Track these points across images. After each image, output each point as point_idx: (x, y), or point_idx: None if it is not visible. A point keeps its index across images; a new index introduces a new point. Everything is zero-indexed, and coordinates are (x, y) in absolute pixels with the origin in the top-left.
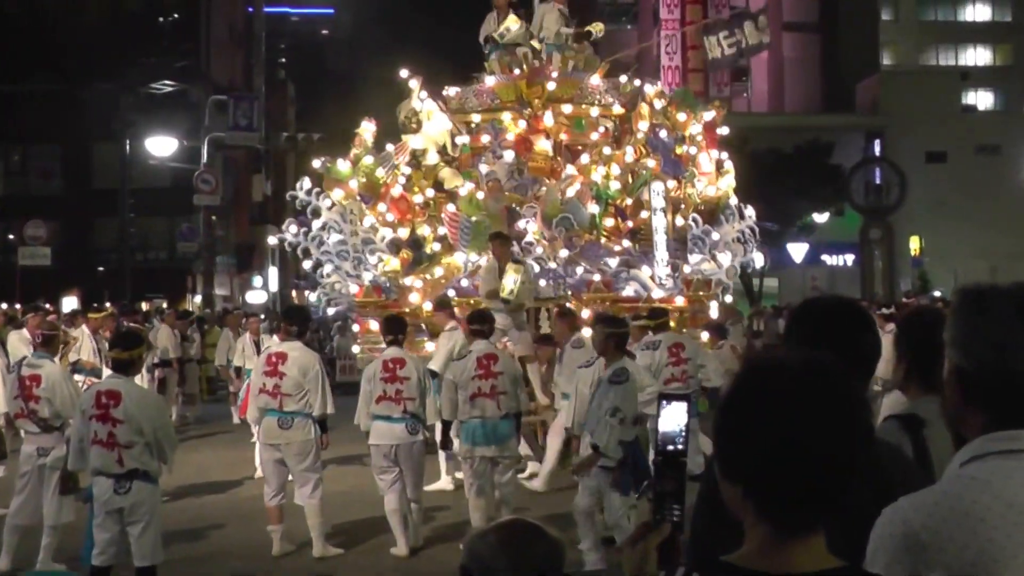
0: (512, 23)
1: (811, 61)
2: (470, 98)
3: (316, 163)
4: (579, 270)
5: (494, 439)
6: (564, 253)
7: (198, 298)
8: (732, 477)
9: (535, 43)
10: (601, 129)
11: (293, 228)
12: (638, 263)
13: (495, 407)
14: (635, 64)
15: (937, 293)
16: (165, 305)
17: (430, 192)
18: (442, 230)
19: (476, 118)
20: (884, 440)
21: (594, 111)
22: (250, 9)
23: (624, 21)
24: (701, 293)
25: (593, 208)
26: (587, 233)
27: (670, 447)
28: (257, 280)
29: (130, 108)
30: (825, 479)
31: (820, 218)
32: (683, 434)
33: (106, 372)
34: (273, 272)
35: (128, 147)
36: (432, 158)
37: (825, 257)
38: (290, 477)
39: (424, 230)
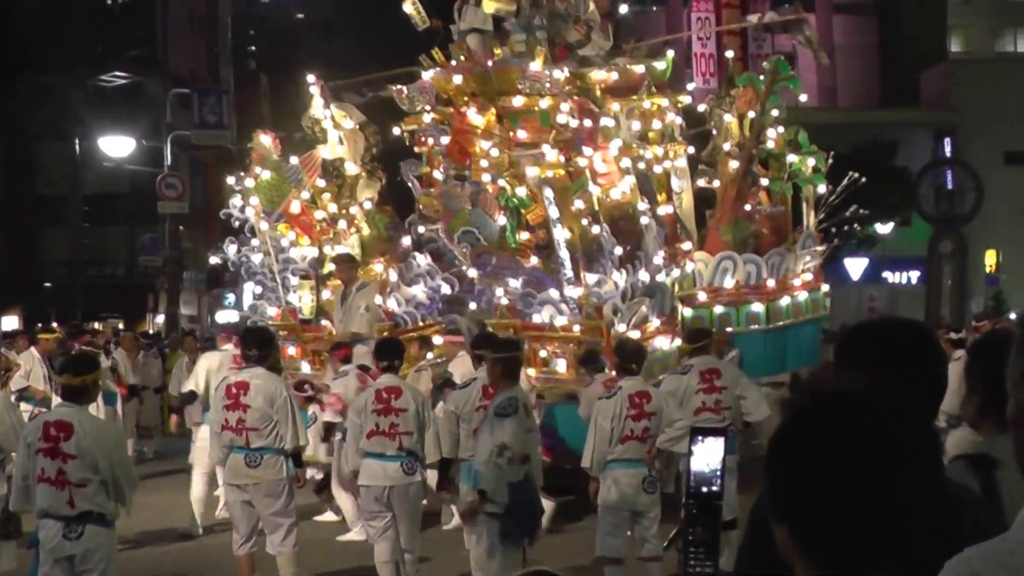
0: (488, 5)
1: (868, 48)
2: (416, 96)
3: (230, 179)
4: (498, 291)
5: None
6: (473, 272)
7: (160, 318)
8: (779, 516)
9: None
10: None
11: (232, 248)
12: (543, 284)
13: None
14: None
15: (1013, 315)
16: (121, 326)
17: (332, 207)
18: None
19: (427, 118)
20: (952, 481)
21: (544, 102)
22: None
23: (650, 2)
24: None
25: (502, 219)
26: (498, 248)
27: (704, 489)
28: (229, 298)
29: (78, 102)
30: (883, 521)
31: (883, 229)
32: (719, 475)
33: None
34: (249, 289)
35: (78, 147)
36: (351, 168)
37: (886, 274)
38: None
39: (329, 248)
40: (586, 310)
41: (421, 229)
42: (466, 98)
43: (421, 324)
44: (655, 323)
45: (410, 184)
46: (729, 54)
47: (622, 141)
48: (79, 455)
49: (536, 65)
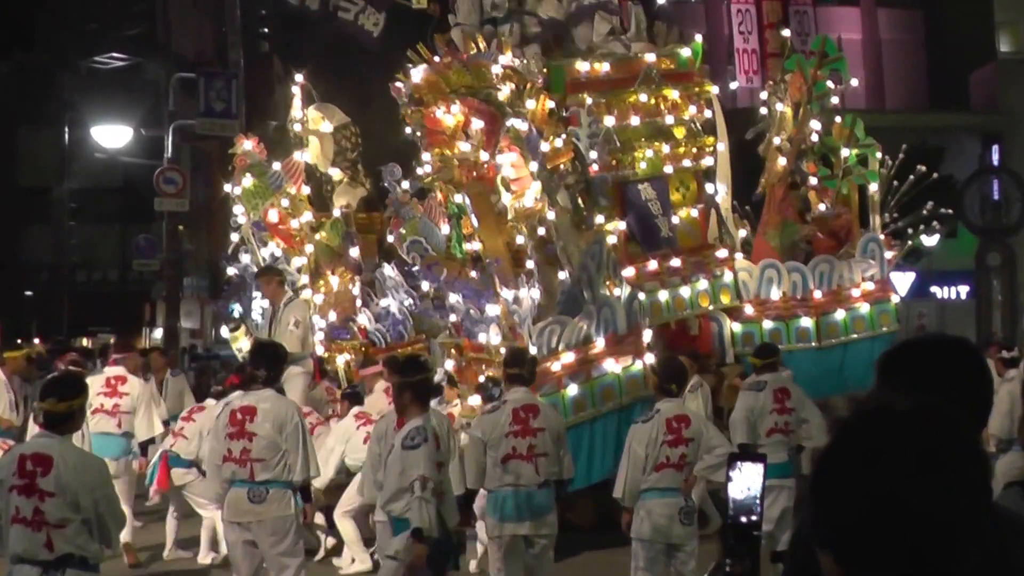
0: None
1: (915, 45)
2: (423, 88)
3: (227, 187)
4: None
5: (528, 512)
6: (425, 286)
7: (158, 332)
8: (823, 542)
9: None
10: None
11: (247, 257)
12: (478, 300)
13: (532, 472)
14: (663, 27)
15: None
16: (113, 341)
17: (307, 216)
18: None
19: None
20: (1005, 509)
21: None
22: None
23: None
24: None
25: (446, 228)
26: (445, 259)
27: (743, 519)
28: (235, 309)
29: (69, 86)
30: (930, 548)
31: (929, 241)
32: (758, 502)
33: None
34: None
35: (68, 135)
36: (335, 173)
37: (934, 288)
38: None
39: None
40: (503, 330)
41: (391, 238)
42: (437, 97)
43: (399, 342)
44: (600, 344)
45: (391, 190)
46: (786, 33)
47: (562, 142)
48: (58, 492)
49: (506, 59)
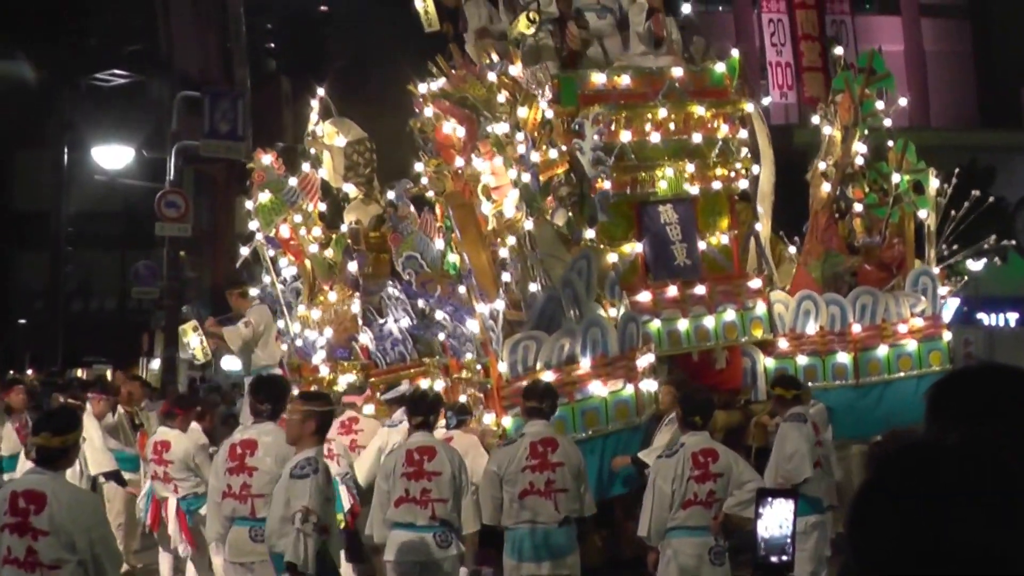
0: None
1: (963, 57)
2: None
3: (247, 204)
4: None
5: (547, 552)
6: (422, 303)
7: (156, 363)
8: None
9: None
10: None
11: (267, 279)
12: (460, 318)
13: (552, 509)
14: (702, 42)
15: None
16: (111, 373)
17: (316, 231)
18: None
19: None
20: None
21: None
22: None
23: (716, 1)
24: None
25: (439, 243)
26: (439, 276)
27: (773, 558)
28: (189, 310)
29: (68, 104)
30: None
31: (976, 266)
32: (789, 541)
33: (25, 465)
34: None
35: (66, 157)
36: (351, 189)
37: (981, 315)
38: None
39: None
40: (475, 347)
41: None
42: (446, 111)
43: (401, 363)
44: (586, 365)
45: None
46: (838, 51)
47: (567, 151)
48: (52, 531)
49: (516, 69)
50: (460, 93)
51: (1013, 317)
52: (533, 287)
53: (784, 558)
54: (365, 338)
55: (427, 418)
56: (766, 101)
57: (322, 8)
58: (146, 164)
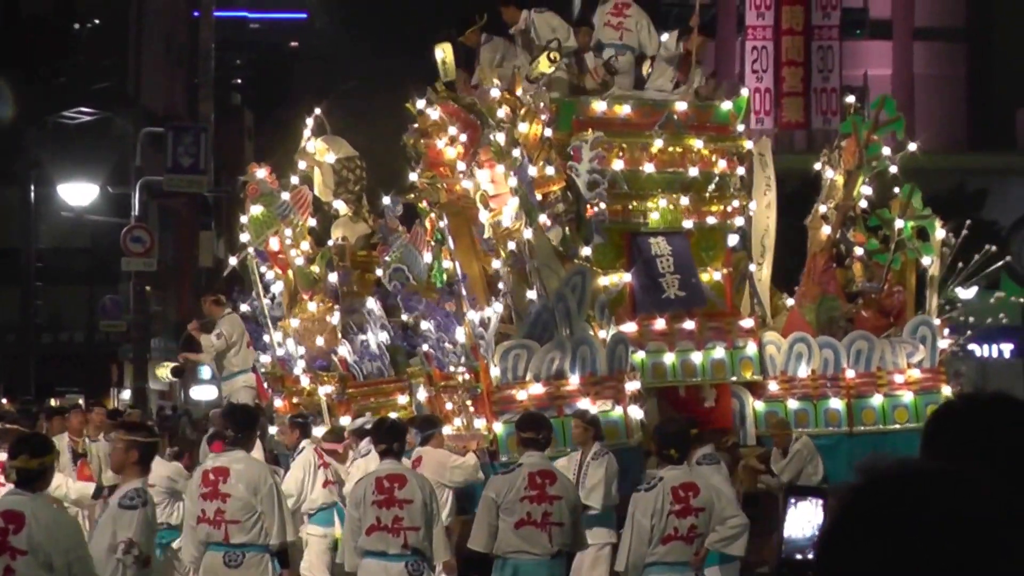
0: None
1: (955, 80)
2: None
3: (244, 218)
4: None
5: None
6: (406, 315)
7: (126, 394)
8: None
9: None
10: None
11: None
12: (450, 328)
13: (546, 541)
14: (714, 83)
15: None
16: (82, 402)
17: (304, 246)
18: None
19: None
20: None
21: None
22: (196, 13)
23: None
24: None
25: (428, 256)
26: (425, 288)
27: (798, 557)
28: (205, 371)
29: (35, 142)
30: None
31: (966, 294)
32: (815, 541)
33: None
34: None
35: (33, 193)
36: (341, 207)
37: (973, 346)
38: None
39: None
40: (466, 352)
41: (379, 271)
42: (441, 130)
43: (379, 378)
44: (575, 381)
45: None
46: (850, 99)
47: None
48: (31, 551)
49: (518, 92)
50: (469, 98)
51: (1008, 348)
52: (530, 294)
53: (809, 556)
54: (344, 351)
55: (391, 446)
56: (740, 128)
57: (292, 44)
58: (111, 200)
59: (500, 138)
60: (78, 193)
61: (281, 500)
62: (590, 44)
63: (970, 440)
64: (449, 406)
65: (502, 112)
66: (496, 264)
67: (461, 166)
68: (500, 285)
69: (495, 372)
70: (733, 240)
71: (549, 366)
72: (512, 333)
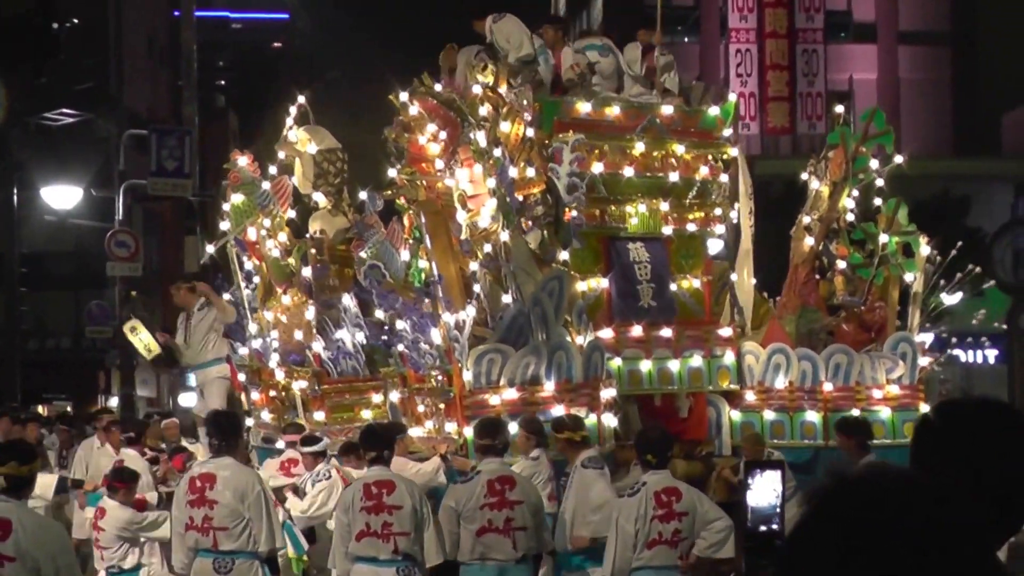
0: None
1: (940, 85)
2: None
3: (225, 206)
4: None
5: None
6: (380, 313)
7: (114, 400)
8: None
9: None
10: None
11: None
12: (425, 328)
13: (510, 547)
14: (702, 86)
15: None
16: (70, 409)
17: (282, 237)
18: None
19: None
20: None
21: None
22: (176, 13)
23: (681, 31)
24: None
25: (406, 254)
26: (402, 287)
27: (763, 527)
28: (191, 378)
29: (17, 144)
30: None
31: (951, 299)
32: (778, 511)
33: None
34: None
35: (16, 197)
36: (320, 199)
37: (958, 352)
38: None
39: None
40: (440, 354)
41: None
42: (424, 125)
43: (354, 376)
44: (550, 388)
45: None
46: (839, 109)
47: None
48: (18, 557)
49: (501, 90)
50: (448, 94)
51: (992, 354)
52: (506, 298)
53: (773, 527)
54: (318, 346)
55: (381, 453)
56: (727, 133)
57: (275, 44)
58: (94, 204)
59: (480, 137)
60: (61, 196)
61: (269, 506)
62: (563, 38)
63: (956, 445)
64: (421, 408)
65: (484, 110)
66: (474, 266)
67: (441, 164)
68: (476, 287)
69: (468, 376)
70: (715, 247)
71: (524, 371)
72: (487, 336)
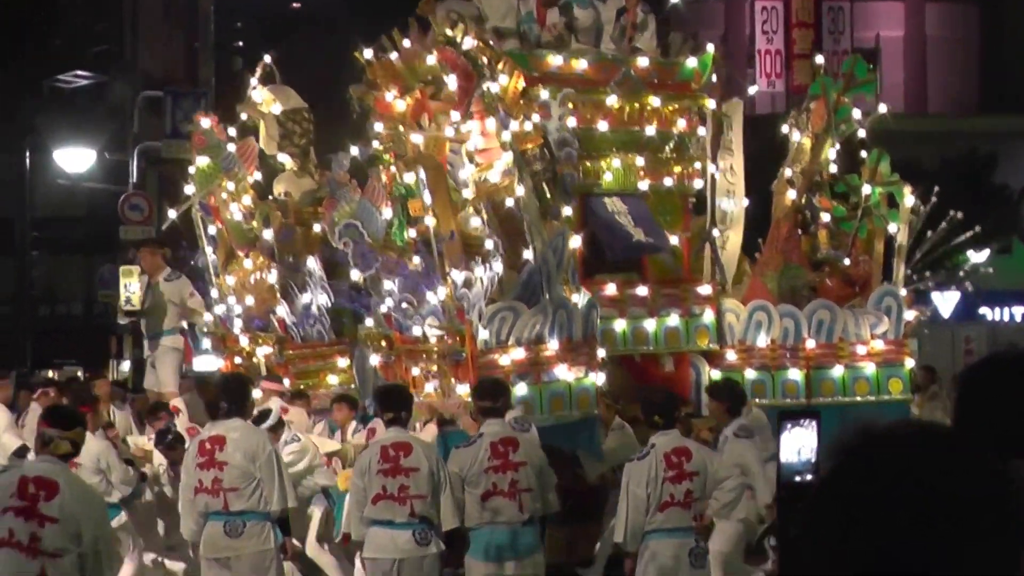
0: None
1: (966, 43)
2: (378, 71)
3: (191, 169)
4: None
5: (512, 552)
6: (355, 274)
7: (126, 365)
8: None
9: None
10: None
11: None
12: (420, 289)
13: (516, 509)
14: (680, 37)
15: None
16: (81, 374)
17: (246, 200)
18: None
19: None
20: None
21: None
22: None
23: None
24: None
25: (388, 212)
26: (383, 247)
27: (796, 479)
28: (206, 341)
29: (30, 107)
30: None
31: (978, 257)
32: (812, 463)
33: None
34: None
35: (28, 160)
36: (286, 160)
37: (984, 310)
38: None
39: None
40: (449, 314)
41: (316, 227)
42: (389, 81)
43: (319, 341)
44: (553, 347)
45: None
46: (819, 60)
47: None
48: (61, 519)
49: (469, 42)
50: (412, 69)
51: (1019, 312)
52: (528, 254)
53: (808, 477)
54: (283, 311)
55: (399, 414)
56: (752, 90)
57: (295, 4)
58: (108, 167)
59: (494, 88)
60: (75, 159)
61: (280, 466)
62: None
63: (1003, 404)
64: (416, 372)
65: (452, 83)
66: (475, 223)
67: (417, 137)
68: (489, 244)
69: (483, 335)
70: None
71: (531, 330)
72: (495, 297)
